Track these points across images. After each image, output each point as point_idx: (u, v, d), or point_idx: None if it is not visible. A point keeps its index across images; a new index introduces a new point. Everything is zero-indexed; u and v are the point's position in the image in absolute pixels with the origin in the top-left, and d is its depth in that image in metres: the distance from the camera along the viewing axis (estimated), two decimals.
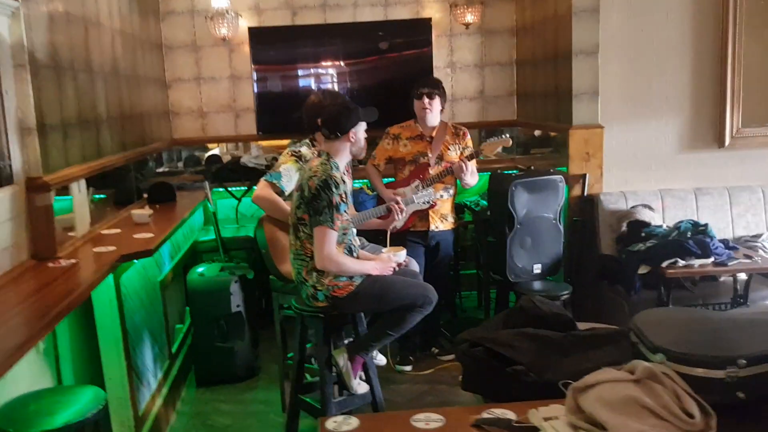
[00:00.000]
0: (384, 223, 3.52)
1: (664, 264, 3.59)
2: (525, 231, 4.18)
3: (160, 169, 5.33)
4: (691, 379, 1.79)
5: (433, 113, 4.08)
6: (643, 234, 4.09)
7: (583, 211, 4.50)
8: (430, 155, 4.10)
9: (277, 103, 5.45)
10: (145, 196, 4.41)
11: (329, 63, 5.56)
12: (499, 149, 4.16)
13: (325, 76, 5.60)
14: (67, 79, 3.18)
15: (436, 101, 4.08)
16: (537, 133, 5.31)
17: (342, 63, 5.55)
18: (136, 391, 3.17)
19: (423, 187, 3.91)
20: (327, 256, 2.87)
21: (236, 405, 3.84)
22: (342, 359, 3.06)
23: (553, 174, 4.28)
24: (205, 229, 5.12)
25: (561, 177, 4.22)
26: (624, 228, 4.27)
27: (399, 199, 3.49)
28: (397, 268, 3.14)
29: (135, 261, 3.16)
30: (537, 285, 4.21)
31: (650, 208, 4.34)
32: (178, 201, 4.47)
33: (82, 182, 3.27)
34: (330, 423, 2.05)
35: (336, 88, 5.52)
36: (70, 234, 3.15)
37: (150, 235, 3.31)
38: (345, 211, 2.92)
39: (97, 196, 4.33)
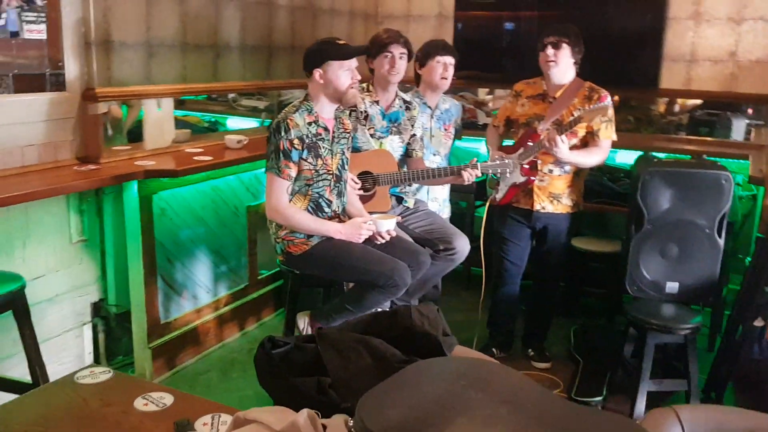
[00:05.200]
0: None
1: None
2: (663, 236, 3.19)
3: None
4: None
5: (559, 67, 3.29)
6: None
7: None
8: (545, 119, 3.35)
9: (474, 47, 5.04)
10: None
11: (534, 11, 4.84)
12: (599, 119, 3.20)
13: (526, 28, 4.90)
14: (165, 2, 3.41)
15: (565, 52, 3.27)
16: None
17: (549, 11, 4.77)
18: (164, 299, 3.39)
19: (517, 157, 3.24)
20: (274, 207, 2.62)
21: None
22: (303, 323, 2.81)
23: (716, 168, 3.14)
24: None
25: (727, 175, 3.08)
26: None
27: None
28: (380, 239, 2.70)
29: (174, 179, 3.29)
30: (661, 308, 3.22)
31: None
32: None
33: (167, 100, 3.52)
34: (85, 371, 1.95)
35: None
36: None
37: (209, 158, 3.43)
38: (303, 159, 2.60)
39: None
